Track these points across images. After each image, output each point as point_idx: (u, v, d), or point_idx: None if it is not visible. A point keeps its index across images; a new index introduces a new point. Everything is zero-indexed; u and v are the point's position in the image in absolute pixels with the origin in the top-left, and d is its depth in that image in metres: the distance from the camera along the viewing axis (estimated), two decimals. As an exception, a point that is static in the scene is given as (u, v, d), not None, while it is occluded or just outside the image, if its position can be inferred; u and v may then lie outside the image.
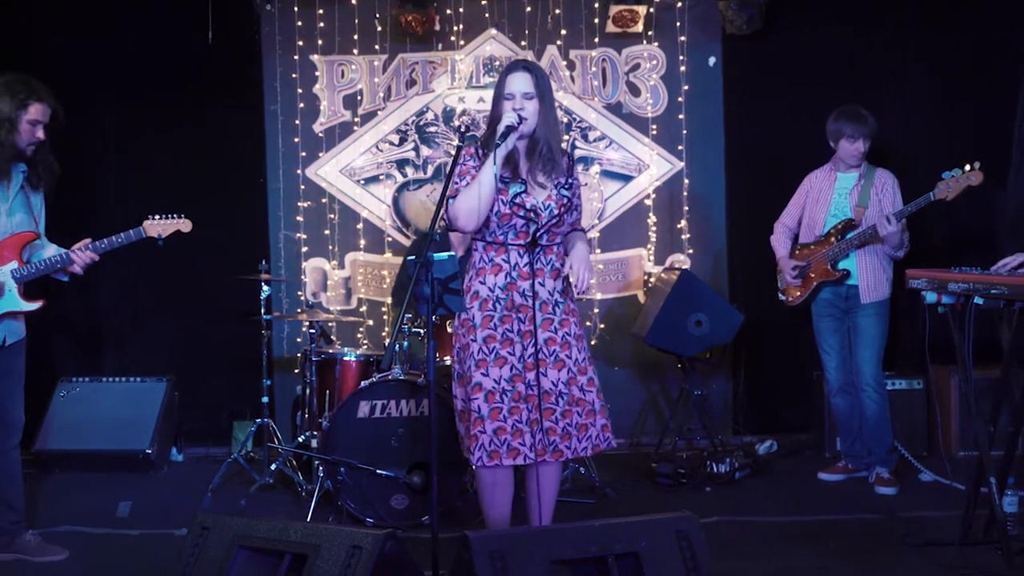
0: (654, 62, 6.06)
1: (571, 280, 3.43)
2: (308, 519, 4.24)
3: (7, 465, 3.96)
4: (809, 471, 5.13)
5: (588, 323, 5.98)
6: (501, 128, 3.28)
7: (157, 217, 4.10)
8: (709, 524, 4.11)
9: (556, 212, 3.41)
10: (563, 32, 5.99)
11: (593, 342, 5.98)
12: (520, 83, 3.37)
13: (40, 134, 3.82)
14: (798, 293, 4.96)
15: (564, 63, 6.02)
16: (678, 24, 6.02)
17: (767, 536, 4.09)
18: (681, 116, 6.05)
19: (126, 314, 6.07)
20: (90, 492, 5.00)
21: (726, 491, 4.84)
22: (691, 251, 6.08)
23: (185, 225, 4.14)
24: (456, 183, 3.39)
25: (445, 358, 4.54)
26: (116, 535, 4.29)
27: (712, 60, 6.07)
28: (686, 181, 6.06)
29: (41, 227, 4.01)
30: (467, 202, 3.32)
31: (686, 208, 6.07)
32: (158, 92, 5.88)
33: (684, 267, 5.90)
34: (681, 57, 6.04)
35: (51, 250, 3.98)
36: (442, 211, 3.34)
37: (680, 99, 6.04)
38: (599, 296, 6.07)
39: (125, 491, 4.90)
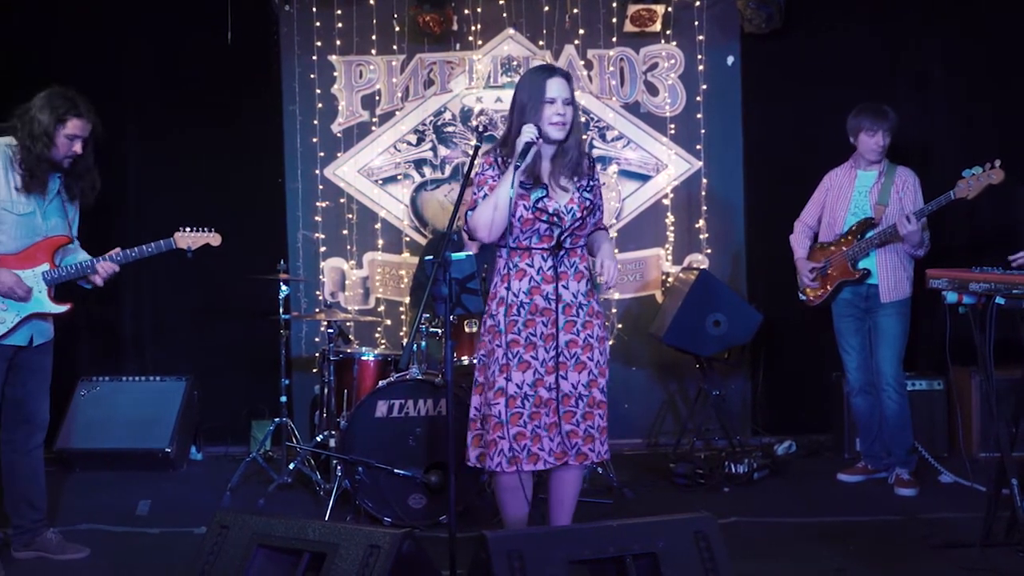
0: (672, 61, 6.04)
1: (601, 277, 3.42)
2: (326, 518, 4.26)
3: (30, 464, 3.99)
4: (828, 472, 5.10)
5: (607, 323, 5.96)
6: (520, 146, 3.26)
7: (188, 229, 4.17)
8: (727, 525, 4.10)
9: (579, 215, 3.40)
10: (581, 31, 5.99)
11: (611, 342, 5.97)
12: (562, 89, 3.36)
13: (77, 148, 3.86)
14: (818, 293, 4.94)
15: (582, 63, 6.01)
16: (696, 23, 6.00)
17: (786, 537, 4.08)
18: (699, 115, 6.03)
19: (146, 314, 6.11)
20: (110, 490, 5.03)
21: (744, 492, 4.82)
22: (709, 251, 6.06)
23: (215, 239, 4.22)
24: (475, 193, 3.39)
25: (463, 358, 4.55)
26: (136, 533, 4.32)
27: (730, 59, 6.05)
28: (704, 180, 6.05)
29: (74, 232, 4.07)
30: (484, 216, 3.32)
31: (704, 208, 6.05)
32: (177, 93, 5.91)
33: (702, 267, 5.88)
34: (699, 56, 6.02)
35: (82, 255, 4.03)
36: (459, 215, 3.35)
37: (698, 98, 6.03)
38: (617, 296, 6.06)
39: (145, 489, 4.93)
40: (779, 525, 4.24)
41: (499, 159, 3.42)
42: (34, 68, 5.84)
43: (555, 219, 3.37)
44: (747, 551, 3.76)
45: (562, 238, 3.40)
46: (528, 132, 3.26)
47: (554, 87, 3.35)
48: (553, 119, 3.34)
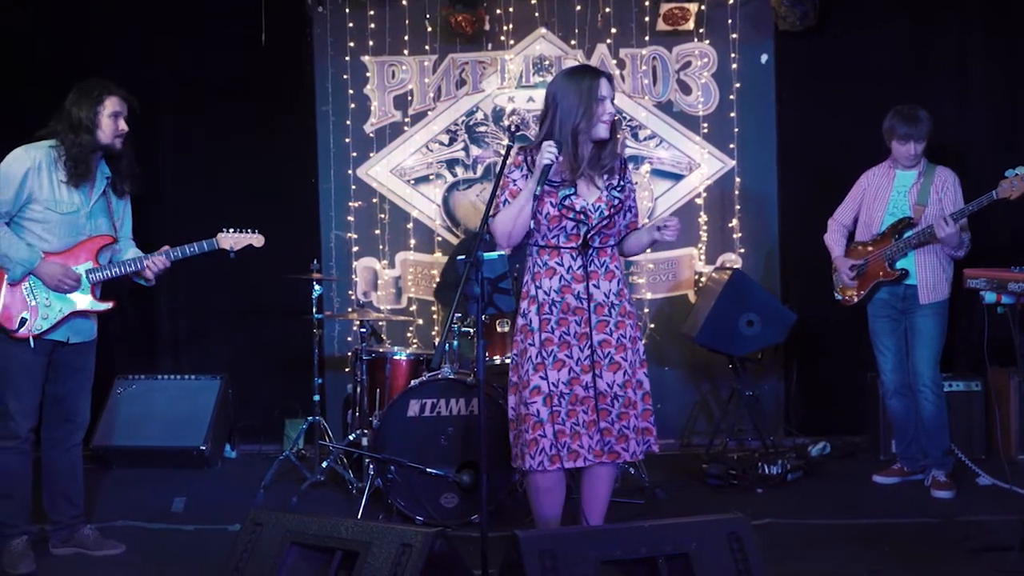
0: (705, 60, 6.01)
1: (667, 231, 3.41)
2: (359, 517, 4.28)
3: (69, 461, 4.05)
4: (863, 474, 5.05)
5: (639, 323, 5.94)
6: (539, 168, 3.26)
7: (231, 230, 4.22)
8: (761, 526, 4.07)
9: (607, 213, 3.40)
10: (613, 30, 5.97)
11: (644, 342, 5.92)
12: (610, 89, 3.41)
13: (123, 125, 3.93)
14: (854, 293, 4.89)
15: (614, 62, 5.99)
16: (730, 21, 5.96)
17: (820, 539, 4.04)
18: (733, 114, 5.99)
19: (182, 313, 6.16)
20: (146, 487, 5.09)
21: (778, 493, 4.79)
22: (742, 250, 6.02)
23: (258, 240, 4.28)
24: (498, 195, 3.39)
25: (495, 357, 4.55)
26: (171, 530, 4.36)
27: (764, 57, 6.01)
28: (738, 180, 6.01)
29: (125, 231, 4.15)
30: (503, 225, 3.37)
31: (738, 207, 6.02)
32: (212, 94, 5.96)
33: (735, 266, 5.85)
34: (733, 55, 5.98)
35: (131, 253, 4.09)
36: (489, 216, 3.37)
37: (732, 97, 5.99)
38: (649, 296, 6.04)
39: (180, 487, 4.98)
40: (813, 527, 4.21)
41: (527, 160, 3.42)
42: (70, 69, 5.91)
43: (582, 217, 3.37)
44: (781, 553, 3.74)
45: (589, 236, 3.39)
46: (548, 154, 3.25)
47: (605, 87, 3.39)
48: (604, 117, 3.37)
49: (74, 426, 4.07)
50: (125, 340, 6.11)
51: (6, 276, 3.80)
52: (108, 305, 4.01)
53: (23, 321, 3.80)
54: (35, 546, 3.94)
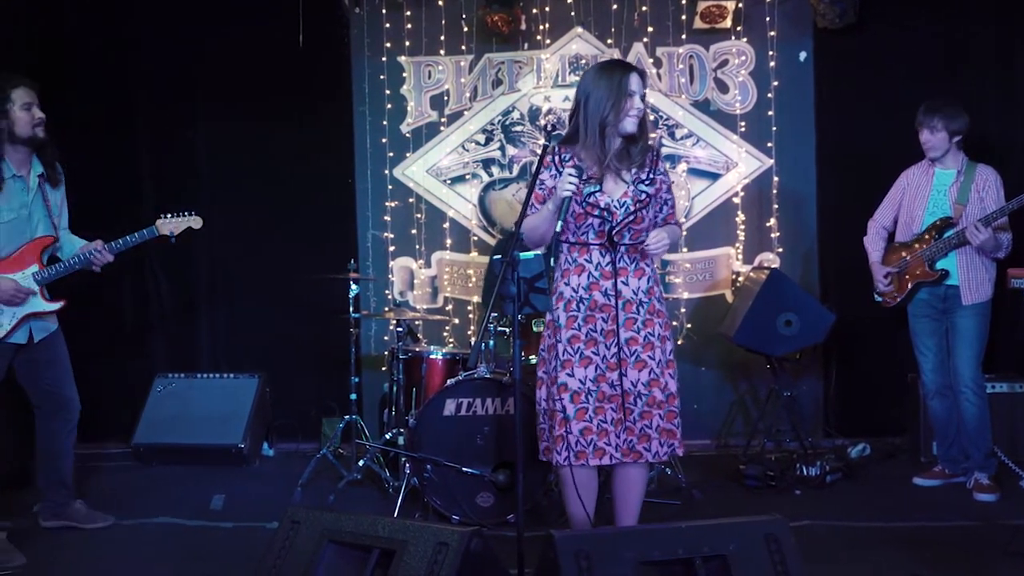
0: (743, 58, 5.97)
1: (645, 244, 3.36)
2: (395, 515, 4.29)
3: (66, 448, 4.27)
4: (904, 476, 4.99)
5: (675, 323, 5.92)
6: (560, 199, 3.21)
7: (169, 216, 4.29)
8: (799, 528, 4.03)
9: (632, 208, 3.38)
10: (649, 29, 5.94)
11: (680, 342, 5.92)
12: (640, 86, 3.40)
13: (37, 113, 3.97)
14: (895, 294, 4.83)
15: (650, 60, 5.97)
16: (768, 19, 5.91)
17: (860, 542, 3.99)
18: (770, 112, 5.94)
19: (220, 312, 6.22)
20: (185, 485, 5.14)
21: (816, 495, 4.74)
22: (781, 250, 5.97)
23: (196, 222, 4.33)
24: (532, 207, 3.39)
25: (531, 357, 4.55)
26: (210, 527, 4.40)
27: (803, 55, 5.95)
28: (775, 179, 5.96)
29: (64, 222, 4.23)
30: (530, 233, 3.38)
31: (776, 206, 5.96)
32: (251, 95, 6.01)
33: (773, 266, 5.80)
34: (771, 52, 5.93)
35: (75, 244, 4.20)
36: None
37: (769, 95, 5.94)
38: (686, 295, 6.01)
39: (218, 484, 5.03)
40: (853, 529, 4.16)
41: (556, 159, 3.42)
42: (111, 69, 6.01)
43: (606, 214, 3.36)
44: (819, 555, 3.70)
45: (614, 232, 3.38)
46: (568, 187, 3.19)
47: (635, 82, 3.38)
48: (632, 112, 3.36)
49: (69, 414, 4.25)
50: (165, 339, 6.19)
51: None
52: (59, 305, 4.11)
53: None
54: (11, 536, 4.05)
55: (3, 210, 3.93)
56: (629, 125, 3.37)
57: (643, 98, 3.40)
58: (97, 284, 6.00)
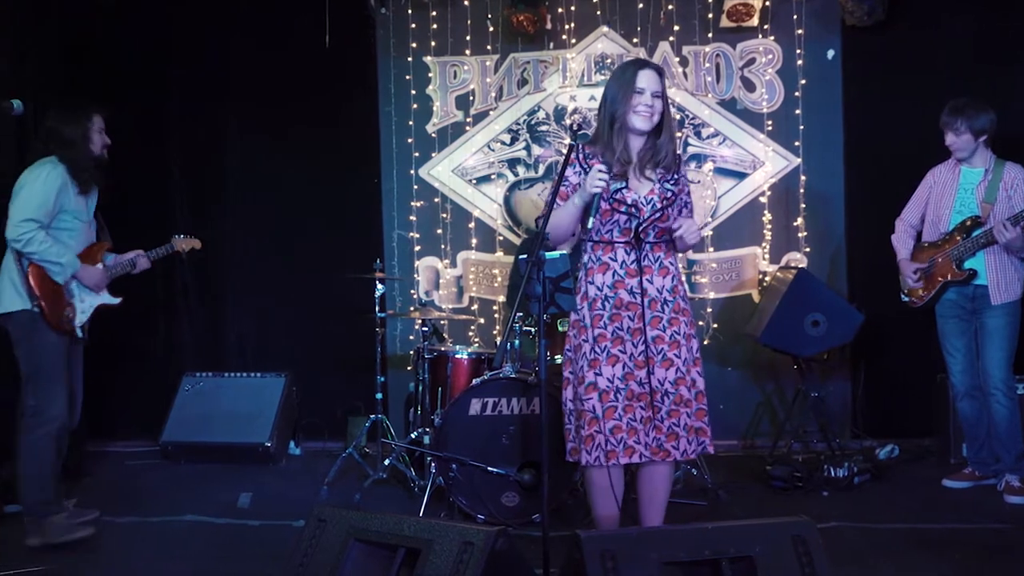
0: (770, 56, 5.93)
1: (678, 231, 3.34)
2: (420, 514, 4.30)
3: (65, 444, 4.31)
4: (933, 477, 4.94)
5: (701, 323, 5.89)
6: (588, 194, 3.21)
7: (181, 236, 4.76)
8: (827, 530, 4.00)
9: (659, 206, 3.37)
10: (676, 28, 5.92)
11: (706, 342, 5.90)
12: (652, 82, 3.37)
13: (107, 138, 4.37)
14: (922, 294, 4.79)
15: (676, 59, 5.95)
16: (795, 17, 5.87)
17: (888, 544, 3.96)
18: (798, 111, 5.90)
19: (247, 312, 6.26)
20: (212, 483, 5.18)
21: (844, 496, 4.71)
22: (808, 249, 5.93)
23: (197, 243, 4.81)
24: (553, 194, 3.38)
25: (556, 356, 4.54)
26: (237, 525, 4.43)
27: (831, 53, 5.91)
28: (803, 178, 5.92)
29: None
30: (555, 230, 3.38)
31: (803, 205, 5.93)
32: (277, 96, 6.05)
33: (801, 266, 5.76)
34: (798, 51, 5.89)
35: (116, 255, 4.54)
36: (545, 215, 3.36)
37: (797, 94, 5.90)
38: (712, 295, 5.98)
39: (246, 483, 5.06)
40: (881, 531, 4.12)
41: (580, 157, 3.42)
42: (141, 70, 6.06)
43: (633, 210, 3.35)
44: (847, 558, 3.67)
45: (640, 230, 3.37)
46: (597, 183, 3.19)
47: (644, 78, 3.37)
48: (638, 108, 3.34)
49: (76, 412, 4.41)
50: (193, 338, 6.24)
51: (41, 281, 4.15)
52: (119, 300, 4.48)
53: (67, 317, 4.23)
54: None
55: (79, 211, 4.28)
56: (637, 121, 3.36)
57: (658, 95, 3.36)
58: (126, 284, 6.06)
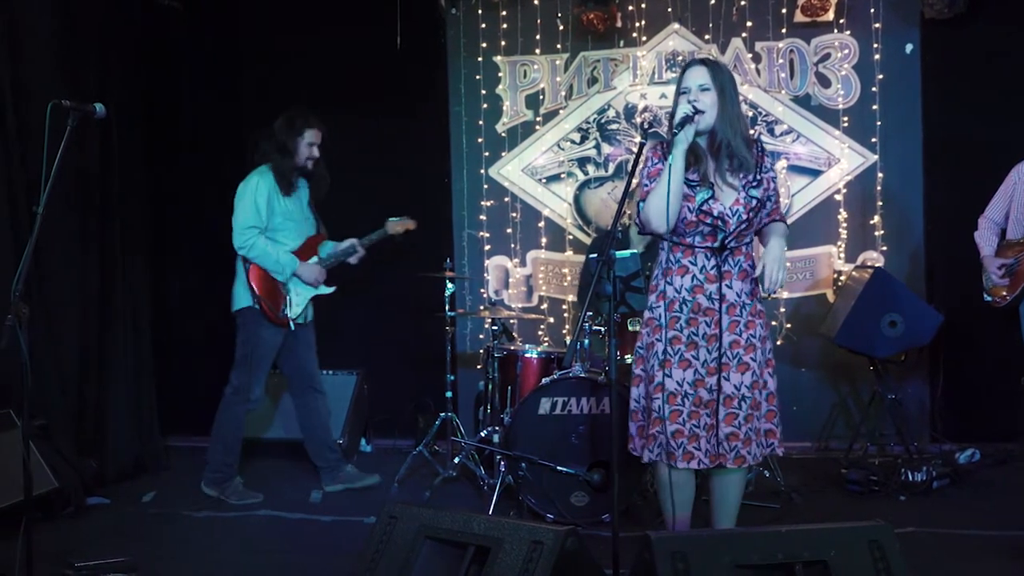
0: (846, 51, 5.82)
1: (763, 282, 3.32)
2: (490, 513, 4.31)
3: (321, 421, 5.04)
4: (1016, 483, 4.81)
5: (774, 323, 5.81)
6: (676, 120, 3.22)
7: (394, 219, 5.06)
8: (904, 535, 3.90)
9: (744, 217, 3.30)
10: (748, 24, 5.84)
11: (779, 342, 5.81)
12: (696, 76, 3.30)
13: (315, 152, 4.83)
14: (1005, 293, 4.65)
15: (749, 56, 5.87)
16: (872, 10, 5.75)
17: (968, 551, 3.85)
18: (875, 107, 5.78)
19: (318, 310, 6.31)
20: (285, 479, 5.26)
21: (922, 501, 4.60)
22: (885, 248, 5.80)
23: (411, 224, 5.08)
24: (646, 185, 3.34)
25: (626, 356, 4.52)
26: (309, 520, 4.50)
27: (909, 47, 5.77)
28: (880, 175, 5.79)
29: (322, 228, 5.06)
30: (656, 203, 3.24)
31: (880, 203, 5.80)
32: (350, 98, 6.12)
33: (877, 265, 5.64)
34: (875, 45, 5.77)
35: (332, 245, 5.00)
36: (625, 210, 3.32)
37: (874, 89, 5.78)
38: (786, 295, 5.89)
39: (317, 479, 5.12)
40: (961, 538, 4.01)
41: (663, 148, 3.36)
42: (222, 71, 6.19)
43: (719, 222, 3.29)
44: (925, 564, 3.58)
45: (727, 241, 3.32)
46: (684, 108, 3.22)
47: (689, 77, 3.32)
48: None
49: (318, 392, 5.02)
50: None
51: (262, 281, 4.75)
52: (333, 288, 4.98)
53: (282, 310, 4.80)
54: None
55: (290, 210, 4.81)
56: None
57: (705, 88, 3.26)
58: (204, 282, 6.20)
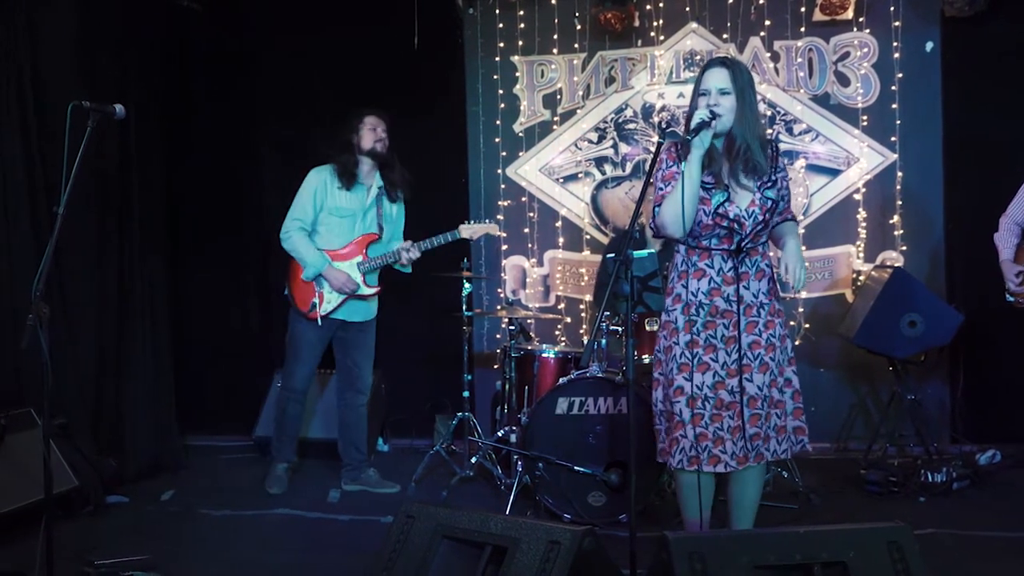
0: (865, 50, 5.78)
1: (788, 280, 3.31)
2: (507, 512, 4.31)
3: (356, 418, 5.09)
4: (1038, 485, 4.76)
5: (792, 323, 5.78)
6: (693, 124, 3.19)
7: (471, 221, 5.03)
8: (923, 537, 3.87)
9: (761, 218, 3.29)
10: (767, 23, 5.82)
11: (798, 342, 5.78)
12: (716, 79, 3.27)
13: (381, 134, 4.91)
14: (1026, 294, 4.61)
15: (768, 55, 5.84)
16: (892, 9, 5.71)
17: (989, 553, 3.82)
18: (894, 106, 5.74)
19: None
20: (303, 477, 5.28)
21: (942, 502, 4.57)
22: (904, 248, 5.76)
23: (494, 229, 5.10)
24: (661, 189, 3.33)
25: (644, 356, 4.51)
26: (327, 519, 4.51)
27: (929, 45, 5.73)
28: (899, 174, 5.75)
29: (396, 231, 5.10)
30: (672, 208, 3.23)
31: (899, 202, 5.76)
32: (367, 97, 6.10)
33: (897, 264, 5.61)
34: (895, 43, 5.73)
35: (395, 247, 4.99)
36: (641, 213, 3.30)
37: (893, 88, 5.74)
38: (804, 295, 5.86)
39: (335, 478, 5.14)
40: (981, 539, 3.98)
41: (680, 152, 3.35)
42: (238, 71, 6.22)
43: (735, 225, 3.27)
44: (945, 566, 3.56)
45: (743, 244, 3.30)
46: (701, 112, 3.18)
47: (708, 79, 3.28)
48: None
49: (358, 392, 5.07)
50: (284, 335, 6.36)
51: (301, 273, 4.88)
52: (376, 289, 5.00)
53: (313, 305, 4.88)
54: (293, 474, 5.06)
55: (344, 208, 4.87)
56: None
57: (725, 91, 3.24)
58: (222, 281, 6.23)
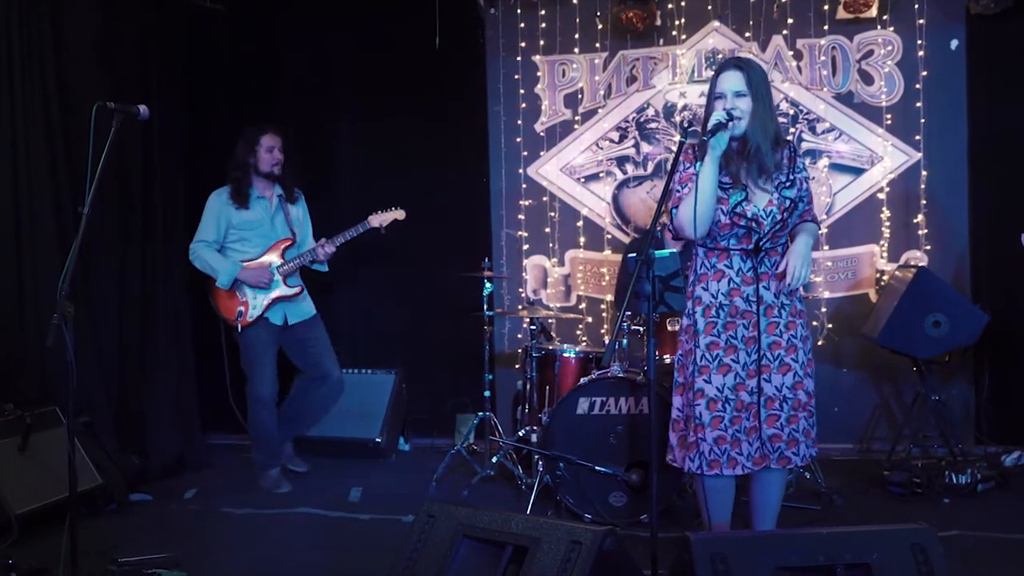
0: (889, 48, 5.74)
1: (785, 276, 3.28)
2: (528, 512, 4.31)
3: (311, 407, 5.37)
4: (1064, 487, 4.71)
5: (815, 323, 5.75)
6: (710, 125, 3.17)
7: (379, 211, 5.07)
8: (948, 539, 3.84)
9: (779, 218, 3.27)
10: (790, 21, 5.78)
11: (820, 342, 5.74)
12: (731, 81, 3.25)
13: (277, 155, 5.02)
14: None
15: (790, 53, 5.81)
16: (916, 6, 5.66)
17: (1014, 555, 3.78)
18: (919, 104, 5.69)
19: (357, 310, 6.38)
20: (324, 477, 5.30)
21: (967, 504, 4.52)
22: (929, 247, 5.71)
23: (400, 214, 5.10)
24: (678, 191, 3.32)
25: (665, 356, 4.50)
26: (348, 518, 4.52)
27: (954, 43, 5.67)
28: (924, 173, 5.71)
29: (304, 233, 5.21)
30: (688, 210, 3.21)
31: (924, 202, 5.71)
32: (389, 97, 6.15)
33: (921, 264, 5.56)
34: (919, 41, 5.68)
35: (309, 246, 5.13)
36: (663, 214, 3.29)
37: (917, 86, 5.69)
38: (827, 295, 5.82)
39: (356, 477, 5.16)
40: (1006, 542, 3.94)
41: (695, 151, 3.33)
42: (261, 71, 6.25)
43: (753, 224, 3.26)
44: (969, 568, 3.53)
45: (761, 243, 3.29)
46: (718, 115, 3.16)
47: (723, 81, 3.26)
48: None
49: (329, 387, 5.28)
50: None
51: (217, 283, 4.92)
52: (295, 290, 5.07)
53: (239, 313, 4.95)
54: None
55: (251, 220, 4.99)
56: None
57: (741, 94, 3.22)
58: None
